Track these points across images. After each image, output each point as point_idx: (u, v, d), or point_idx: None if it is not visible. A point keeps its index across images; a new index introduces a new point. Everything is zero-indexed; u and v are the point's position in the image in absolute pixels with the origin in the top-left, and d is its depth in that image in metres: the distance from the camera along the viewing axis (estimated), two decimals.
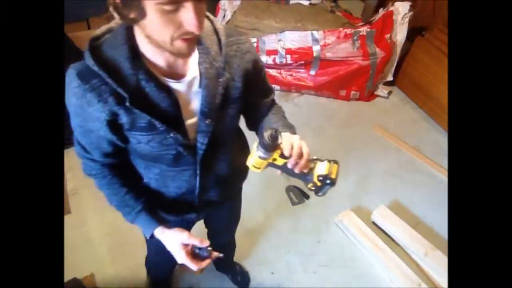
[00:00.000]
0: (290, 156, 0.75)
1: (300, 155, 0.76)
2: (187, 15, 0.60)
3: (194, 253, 0.88)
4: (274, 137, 0.72)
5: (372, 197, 2.17)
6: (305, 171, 0.78)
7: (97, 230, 1.90)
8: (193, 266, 0.86)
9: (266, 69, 2.76)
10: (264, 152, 0.74)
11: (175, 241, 0.87)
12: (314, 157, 0.80)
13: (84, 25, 2.45)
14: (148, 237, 0.89)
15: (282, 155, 0.76)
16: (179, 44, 0.65)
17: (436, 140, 2.58)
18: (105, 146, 0.80)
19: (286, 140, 0.77)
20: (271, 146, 0.73)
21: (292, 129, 0.91)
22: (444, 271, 1.75)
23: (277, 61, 2.69)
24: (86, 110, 0.72)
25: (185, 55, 0.70)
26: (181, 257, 0.86)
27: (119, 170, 0.89)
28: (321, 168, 0.78)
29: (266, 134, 0.72)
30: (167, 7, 0.58)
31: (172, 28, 0.62)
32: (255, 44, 2.75)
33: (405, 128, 2.67)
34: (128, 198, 0.88)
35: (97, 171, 0.87)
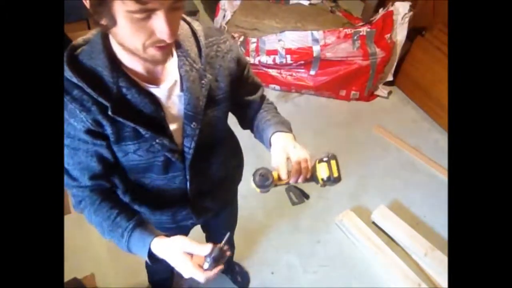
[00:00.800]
0: (288, 178, 0.78)
1: (299, 171, 0.78)
2: (158, 23, 0.59)
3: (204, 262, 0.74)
4: (265, 178, 0.76)
5: (372, 197, 2.17)
6: (308, 176, 0.80)
7: None
8: (201, 276, 0.72)
9: (266, 69, 2.79)
10: (261, 188, 0.78)
11: (176, 251, 0.73)
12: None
13: (84, 25, 2.45)
14: (147, 258, 0.75)
15: (281, 179, 0.78)
16: (153, 52, 0.64)
17: (436, 140, 2.59)
18: (94, 164, 0.76)
19: (282, 164, 0.78)
20: (265, 185, 0.76)
21: (286, 125, 0.90)
22: (444, 271, 1.75)
23: (277, 61, 2.69)
24: (69, 123, 0.70)
25: (160, 62, 0.68)
26: (187, 269, 0.72)
27: (109, 194, 0.83)
28: (322, 172, 0.79)
29: (256, 176, 0.76)
30: (138, 15, 0.57)
31: (143, 36, 0.61)
32: (255, 44, 2.75)
33: (405, 128, 2.66)
34: (120, 220, 0.77)
35: (86, 200, 0.80)
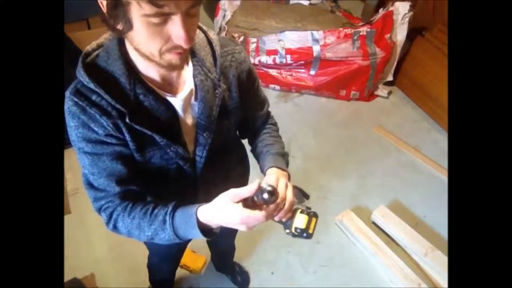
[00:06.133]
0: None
1: (281, 205, 0.75)
2: (175, 29, 0.58)
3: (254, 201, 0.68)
4: (271, 193, 0.67)
5: (372, 197, 2.17)
6: (284, 220, 0.78)
7: (97, 230, 1.90)
8: (260, 215, 0.67)
9: (266, 69, 2.79)
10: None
11: (224, 202, 0.67)
12: (296, 205, 0.79)
13: (84, 25, 2.45)
14: (198, 230, 0.69)
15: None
16: (169, 57, 0.63)
17: (436, 140, 2.59)
18: (121, 167, 0.73)
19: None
20: (269, 201, 0.69)
21: (285, 158, 0.91)
22: (444, 271, 1.75)
23: (277, 61, 2.69)
24: (90, 128, 0.68)
25: (176, 67, 0.67)
26: (242, 215, 0.65)
27: (140, 197, 0.78)
28: (299, 221, 0.79)
29: (265, 193, 0.67)
30: (154, 20, 0.57)
31: (160, 41, 0.60)
32: (255, 44, 2.75)
33: (405, 128, 2.67)
34: (158, 210, 0.73)
35: (117, 209, 0.74)
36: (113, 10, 0.58)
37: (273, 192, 0.67)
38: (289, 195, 0.77)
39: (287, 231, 0.80)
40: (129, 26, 0.59)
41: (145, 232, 0.73)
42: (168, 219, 0.71)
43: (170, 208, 0.72)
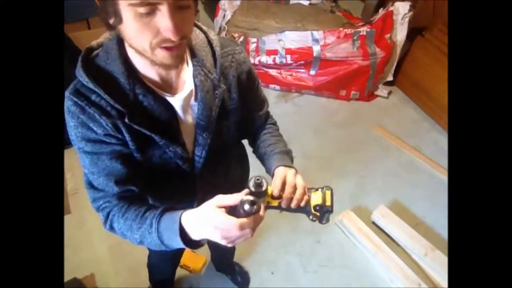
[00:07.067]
0: (281, 196, 0.76)
1: (293, 192, 0.76)
2: (163, 20, 0.58)
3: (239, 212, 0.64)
4: (259, 184, 0.71)
5: (372, 197, 2.17)
6: (303, 204, 0.78)
7: (97, 230, 1.90)
8: (233, 224, 0.61)
9: (266, 69, 2.79)
10: (254, 195, 0.70)
11: (209, 208, 0.64)
12: (309, 187, 0.80)
13: (84, 25, 2.45)
14: (179, 238, 0.65)
15: (273, 196, 0.77)
16: (161, 53, 0.62)
17: (436, 140, 2.59)
18: (120, 167, 0.72)
19: (278, 179, 0.77)
20: (257, 193, 0.71)
21: (289, 156, 0.91)
22: (444, 271, 1.75)
23: (277, 61, 2.69)
24: (89, 128, 0.68)
25: (171, 67, 0.66)
26: (227, 222, 0.61)
27: (138, 198, 0.77)
28: (315, 199, 0.79)
29: (251, 183, 0.71)
30: (141, 10, 0.56)
31: (149, 34, 0.59)
32: (255, 44, 2.75)
33: (405, 128, 2.67)
34: (148, 214, 0.71)
35: (114, 210, 0.74)
36: (103, 3, 0.58)
37: (254, 202, 0.62)
38: (299, 181, 0.77)
39: (311, 216, 0.80)
40: (119, 19, 0.59)
41: (134, 235, 0.71)
42: (154, 223, 0.68)
43: (158, 212, 0.69)
